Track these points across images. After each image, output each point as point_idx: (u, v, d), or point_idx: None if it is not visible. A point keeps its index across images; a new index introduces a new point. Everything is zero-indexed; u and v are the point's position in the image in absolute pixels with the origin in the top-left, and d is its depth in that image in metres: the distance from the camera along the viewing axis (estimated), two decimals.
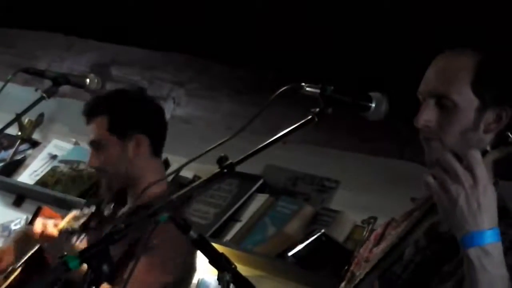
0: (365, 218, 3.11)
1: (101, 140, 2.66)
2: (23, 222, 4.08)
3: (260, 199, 3.42)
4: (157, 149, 2.73)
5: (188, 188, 1.62)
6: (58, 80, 2.55)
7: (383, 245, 1.86)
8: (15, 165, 4.17)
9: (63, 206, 3.64)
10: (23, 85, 3.87)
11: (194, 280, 3.21)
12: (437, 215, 1.61)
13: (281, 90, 1.70)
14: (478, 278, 1.49)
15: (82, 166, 3.94)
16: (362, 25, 3.12)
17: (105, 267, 1.52)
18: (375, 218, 3.06)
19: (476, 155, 1.50)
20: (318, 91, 1.68)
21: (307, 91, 1.70)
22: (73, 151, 4.07)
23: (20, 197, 4.20)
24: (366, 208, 3.17)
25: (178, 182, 3.56)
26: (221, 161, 1.61)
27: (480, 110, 1.75)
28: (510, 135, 1.55)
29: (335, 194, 3.38)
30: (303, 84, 1.70)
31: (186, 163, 1.70)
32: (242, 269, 1.74)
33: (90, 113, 2.70)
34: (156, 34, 3.79)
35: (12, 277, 2.58)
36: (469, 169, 1.49)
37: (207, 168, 1.73)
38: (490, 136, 1.76)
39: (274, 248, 3.17)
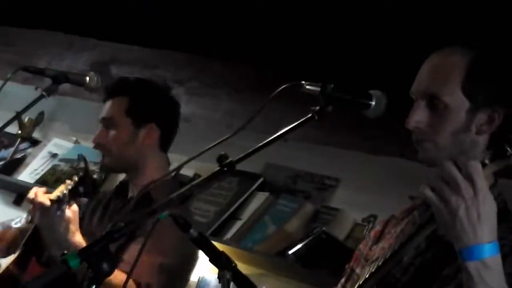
0: (365, 216, 3.11)
1: (115, 119, 2.68)
2: (23, 221, 4.07)
3: (261, 197, 3.42)
4: (165, 143, 2.76)
5: (188, 186, 1.62)
6: (58, 79, 2.56)
7: (382, 244, 1.86)
8: (15, 164, 4.17)
9: None
10: (23, 84, 3.87)
11: (195, 279, 3.22)
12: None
13: (281, 88, 1.69)
14: None
15: (82, 165, 3.94)
16: (362, 24, 3.12)
17: (105, 266, 1.52)
18: (375, 216, 3.06)
19: (476, 166, 1.49)
20: (318, 89, 1.68)
21: (307, 89, 1.69)
22: (73, 149, 4.06)
23: (20, 196, 4.18)
24: (366, 206, 3.16)
25: (179, 180, 3.56)
26: (221, 159, 1.61)
27: (471, 111, 1.73)
28: (509, 149, 1.53)
29: (336, 192, 3.38)
30: (303, 82, 1.70)
31: (187, 161, 1.70)
32: (242, 267, 1.74)
33: (112, 91, 2.73)
34: (156, 33, 3.79)
35: (13, 258, 2.60)
36: (469, 179, 1.47)
37: (208, 167, 1.73)
38: (484, 138, 1.75)
39: (275, 246, 3.16)
